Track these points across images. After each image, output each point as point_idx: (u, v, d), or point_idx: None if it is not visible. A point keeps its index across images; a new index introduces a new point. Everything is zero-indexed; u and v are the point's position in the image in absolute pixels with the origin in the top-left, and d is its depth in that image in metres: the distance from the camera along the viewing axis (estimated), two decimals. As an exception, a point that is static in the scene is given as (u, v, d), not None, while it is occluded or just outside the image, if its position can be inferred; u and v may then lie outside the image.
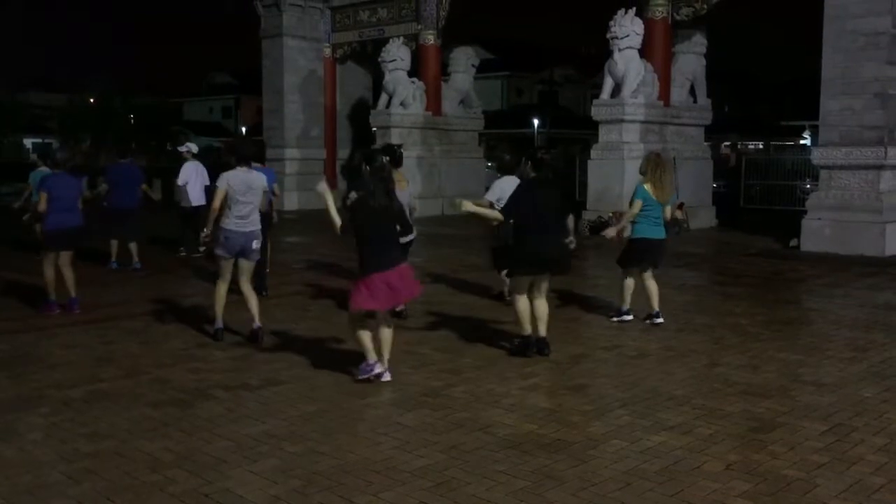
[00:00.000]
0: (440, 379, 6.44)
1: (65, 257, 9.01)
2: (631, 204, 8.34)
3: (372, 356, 6.25)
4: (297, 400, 5.95)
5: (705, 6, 17.63)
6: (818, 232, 14.43)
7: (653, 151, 9.18)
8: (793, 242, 14.95)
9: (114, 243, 12.22)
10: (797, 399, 5.95)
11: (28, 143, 54.92)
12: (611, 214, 16.81)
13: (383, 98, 22.37)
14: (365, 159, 6.54)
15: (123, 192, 12.33)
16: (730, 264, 13.34)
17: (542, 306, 7.11)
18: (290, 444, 5.02)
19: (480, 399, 5.94)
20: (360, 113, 25.76)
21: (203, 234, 7.75)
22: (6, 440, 5.11)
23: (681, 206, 17.85)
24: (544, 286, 7.14)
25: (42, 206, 8.75)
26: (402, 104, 22.08)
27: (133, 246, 12.22)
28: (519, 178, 9.03)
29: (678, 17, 18.04)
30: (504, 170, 9.19)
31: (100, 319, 8.75)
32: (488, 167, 26.39)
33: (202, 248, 13.46)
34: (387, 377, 6.31)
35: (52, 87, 64.79)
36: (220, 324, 7.73)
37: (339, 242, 6.53)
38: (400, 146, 9.09)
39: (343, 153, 26.66)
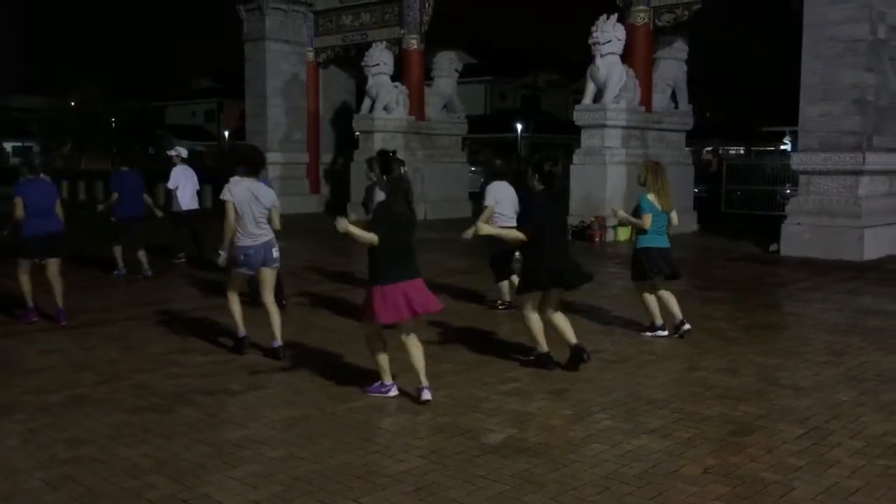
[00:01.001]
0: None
1: (53, 266, 8.79)
2: (636, 214, 8.08)
3: (388, 378, 6.07)
4: (278, 405, 5.95)
5: (686, 12, 17.76)
6: (798, 237, 14.55)
7: (650, 160, 9.18)
8: (773, 247, 15.07)
9: (117, 249, 12.01)
10: (775, 402, 6.01)
11: (8, 146, 54.53)
12: (593, 219, 16.93)
13: (366, 102, 22.37)
14: (381, 168, 6.40)
15: (127, 201, 12.02)
16: (710, 269, 13.43)
17: (562, 317, 6.90)
18: (270, 450, 5.02)
19: (461, 404, 5.95)
20: (343, 117, 25.74)
21: (221, 258, 7.16)
22: (-17, 446, 5.07)
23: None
24: (557, 300, 6.94)
25: (19, 213, 8.57)
26: (385, 108, 22.08)
27: (142, 254, 12.00)
28: (513, 184, 9.16)
29: (660, 24, 18.15)
30: (497, 175, 9.38)
31: (80, 325, 8.69)
32: (472, 171, 26.45)
33: (181, 256, 13.41)
34: (427, 395, 5.93)
35: (33, 90, 64.37)
36: (242, 332, 7.36)
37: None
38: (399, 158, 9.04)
39: (326, 157, 26.66)
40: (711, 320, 9.02)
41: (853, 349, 7.67)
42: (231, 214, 7.00)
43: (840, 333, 8.39)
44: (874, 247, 14.11)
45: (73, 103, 55.45)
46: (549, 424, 5.51)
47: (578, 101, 18.31)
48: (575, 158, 17.97)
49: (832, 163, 14.37)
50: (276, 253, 7.28)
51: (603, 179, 17.07)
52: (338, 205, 23.54)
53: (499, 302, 9.63)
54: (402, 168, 6.25)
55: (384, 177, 6.28)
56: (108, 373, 6.80)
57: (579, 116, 17.66)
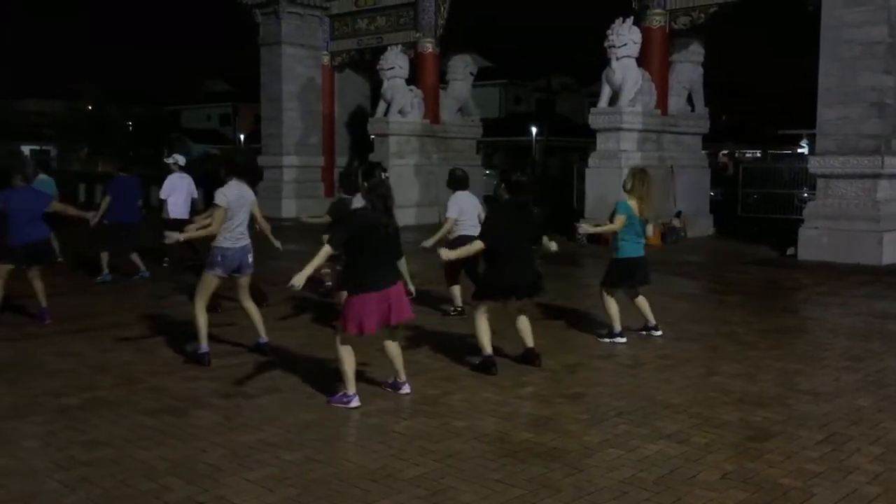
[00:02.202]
0: (436, 387, 6.43)
1: (34, 271, 8.90)
2: (612, 219, 8.12)
3: (352, 388, 5.95)
4: (293, 408, 5.94)
5: (702, 15, 17.69)
6: (815, 240, 14.45)
7: (637, 166, 9.21)
8: (790, 251, 14.97)
9: (104, 255, 11.93)
10: (793, 408, 5.95)
11: (26, 150, 54.87)
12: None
13: (381, 106, 22.38)
14: (363, 175, 6.44)
15: (122, 206, 12.04)
16: (727, 273, 13.35)
17: (523, 322, 7.11)
18: (286, 452, 5.02)
19: (477, 407, 5.94)
20: (359, 121, 25.79)
21: (171, 237, 7.31)
22: (1, 448, 5.10)
23: (678, 215, 17.94)
24: (520, 305, 7.10)
25: None
26: (400, 112, 22.09)
27: (135, 256, 12.11)
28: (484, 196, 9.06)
29: (675, 26, 18.09)
30: (457, 184, 9.24)
31: (94, 328, 8.73)
32: (486, 174, 26.41)
33: (196, 257, 13.37)
34: (406, 389, 6.25)
35: (47, 94, 64.85)
36: (205, 347, 7.18)
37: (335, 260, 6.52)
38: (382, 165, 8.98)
39: (341, 161, 26.69)
40: (728, 324, 8.96)
41: (872, 354, 7.60)
42: (220, 219, 7.05)
43: (859, 338, 8.32)
44: (893, 251, 13.99)
45: (89, 107, 55.75)
46: (565, 429, 5.48)
47: (593, 104, 18.26)
48: (590, 162, 17.92)
49: (850, 166, 14.27)
50: (251, 259, 7.42)
51: (618, 183, 16.76)
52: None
53: (452, 308, 9.47)
54: (382, 174, 6.27)
55: (364, 183, 6.28)
56: (123, 375, 6.82)
57: (595, 120, 17.60)
